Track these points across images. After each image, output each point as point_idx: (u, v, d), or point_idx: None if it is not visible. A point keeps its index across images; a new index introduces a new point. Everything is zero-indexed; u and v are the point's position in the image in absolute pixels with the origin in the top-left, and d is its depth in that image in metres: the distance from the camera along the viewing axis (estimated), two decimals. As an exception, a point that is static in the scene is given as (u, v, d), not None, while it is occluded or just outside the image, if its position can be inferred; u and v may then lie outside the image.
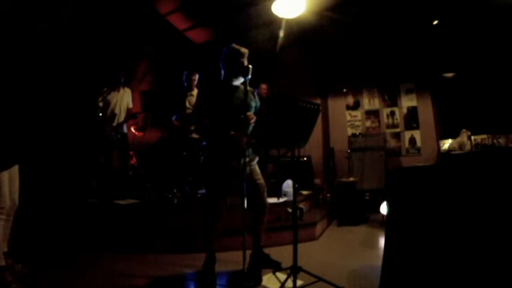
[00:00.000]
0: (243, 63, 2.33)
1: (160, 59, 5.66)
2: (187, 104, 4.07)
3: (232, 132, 2.29)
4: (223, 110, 2.33)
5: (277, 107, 2.10)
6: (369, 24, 5.04)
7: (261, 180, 2.47)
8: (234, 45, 2.42)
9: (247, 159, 2.37)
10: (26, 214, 2.77)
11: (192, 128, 4.02)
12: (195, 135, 4.06)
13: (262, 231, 2.48)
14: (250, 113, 2.33)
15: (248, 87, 2.24)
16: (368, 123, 5.95)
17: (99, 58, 4.36)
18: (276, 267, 2.39)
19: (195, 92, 4.13)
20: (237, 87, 2.43)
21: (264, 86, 4.79)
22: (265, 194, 2.49)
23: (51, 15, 3.47)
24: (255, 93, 2.58)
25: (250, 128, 2.27)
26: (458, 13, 4.57)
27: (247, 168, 2.36)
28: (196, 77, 4.16)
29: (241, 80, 2.35)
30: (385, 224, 1.98)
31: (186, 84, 4.13)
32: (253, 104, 2.46)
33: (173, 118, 4.12)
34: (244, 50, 2.40)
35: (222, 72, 2.45)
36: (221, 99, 2.36)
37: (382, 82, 5.85)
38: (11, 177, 2.14)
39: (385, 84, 5.83)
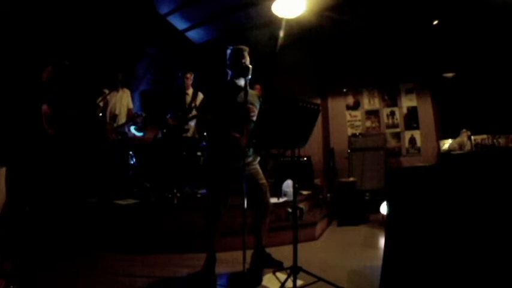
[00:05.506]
0: (244, 62, 2.37)
1: (160, 59, 5.65)
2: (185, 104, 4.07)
3: (231, 133, 2.29)
4: (225, 109, 2.35)
5: (278, 107, 2.10)
6: (368, 24, 5.05)
7: (263, 180, 2.47)
8: (235, 45, 2.46)
9: (249, 159, 2.38)
10: (24, 214, 2.77)
11: (186, 127, 4.03)
12: (188, 134, 4.07)
13: (264, 231, 2.49)
14: (251, 106, 2.34)
15: (251, 90, 2.28)
16: (368, 123, 5.95)
17: (99, 58, 4.36)
18: (278, 266, 2.39)
19: (190, 91, 4.14)
20: (241, 87, 2.44)
21: (257, 86, 4.79)
22: (268, 194, 2.50)
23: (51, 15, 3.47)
24: (259, 97, 2.59)
25: (251, 126, 2.28)
26: (458, 13, 4.57)
27: (249, 168, 2.37)
28: (191, 76, 4.16)
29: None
30: (385, 224, 1.98)
31: (180, 83, 4.13)
32: (257, 106, 2.47)
33: (168, 117, 4.12)
34: (245, 48, 2.45)
35: (229, 72, 2.48)
36: (224, 99, 2.38)
37: (382, 82, 5.85)
38: None
39: (385, 84, 5.83)
